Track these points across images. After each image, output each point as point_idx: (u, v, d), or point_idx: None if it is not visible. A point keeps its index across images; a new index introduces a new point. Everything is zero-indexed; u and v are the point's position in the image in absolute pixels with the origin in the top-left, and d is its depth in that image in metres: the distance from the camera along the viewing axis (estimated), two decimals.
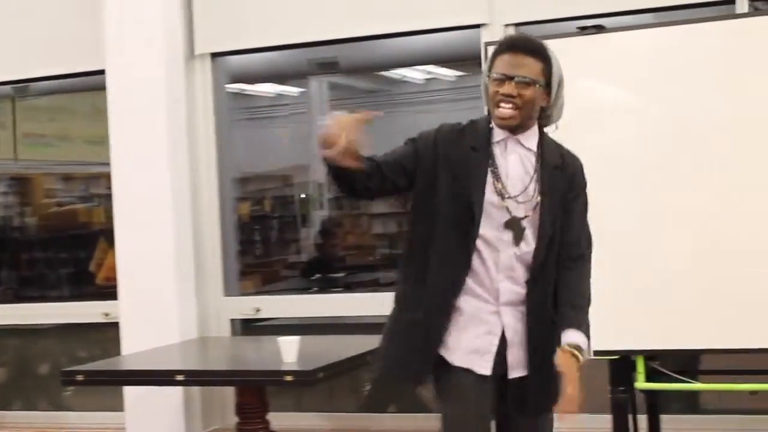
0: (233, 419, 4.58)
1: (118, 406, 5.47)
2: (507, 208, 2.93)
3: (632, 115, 4.09)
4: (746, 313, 3.88)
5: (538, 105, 2.95)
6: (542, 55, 2.95)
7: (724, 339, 3.93)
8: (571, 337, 2.92)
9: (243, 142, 6.43)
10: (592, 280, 3.06)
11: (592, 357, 2.91)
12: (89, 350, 6.05)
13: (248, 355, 5.05)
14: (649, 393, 4.22)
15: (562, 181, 3.00)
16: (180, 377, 4.23)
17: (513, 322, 2.98)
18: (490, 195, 2.93)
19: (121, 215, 5.43)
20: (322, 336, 5.02)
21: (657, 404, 4.34)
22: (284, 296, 6.01)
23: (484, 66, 3.01)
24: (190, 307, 5.41)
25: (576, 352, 2.90)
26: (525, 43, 2.97)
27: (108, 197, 5.66)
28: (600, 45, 4.10)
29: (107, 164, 5.51)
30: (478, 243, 2.93)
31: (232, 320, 5.53)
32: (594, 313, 3.98)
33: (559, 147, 3.05)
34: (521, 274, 2.97)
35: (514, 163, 2.98)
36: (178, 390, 5.24)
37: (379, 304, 5.37)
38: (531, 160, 2.99)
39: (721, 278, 3.92)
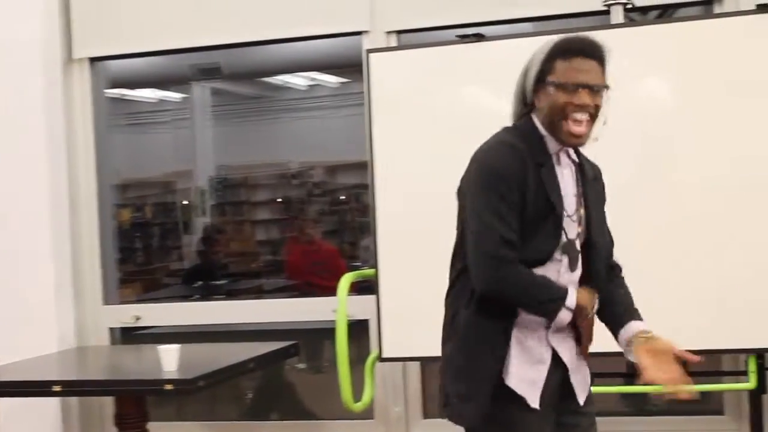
0: (112, 430, 4.50)
1: None
2: (565, 229, 2.71)
3: (508, 121, 4.14)
4: None
5: None
6: (604, 59, 2.74)
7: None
8: (637, 326, 2.74)
9: (124, 148, 6.35)
10: None
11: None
12: None
13: (128, 365, 4.97)
14: None
15: (599, 192, 2.86)
16: (57, 388, 4.14)
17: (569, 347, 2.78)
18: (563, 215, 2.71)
19: None
20: (203, 344, 4.98)
21: None
22: (165, 304, 5.94)
23: (534, 70, 2.76)
24: (67, 315, 5.31)
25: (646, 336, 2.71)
26: (594, 48, 2.72)
27: None
28: (480, 53, 4.15)
29: None
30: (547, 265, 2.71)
31: (112, 329, 5.44)
32: None
33: (582, 155, 2.84)
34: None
35: (567, 178, 2.75)
36: (55, 401, 5.14)
37: (262, 311, 5.41)
38: (574, 173, 2.78)
39: None
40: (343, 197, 10.45)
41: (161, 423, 5.06)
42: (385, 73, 4.27)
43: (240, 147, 10.39)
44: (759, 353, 3.97)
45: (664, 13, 4.67)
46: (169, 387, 3.86)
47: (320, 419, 5.53)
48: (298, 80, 10.08)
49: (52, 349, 5.09)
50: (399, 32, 5.00)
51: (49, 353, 5.01)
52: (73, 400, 5.27)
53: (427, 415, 5.05)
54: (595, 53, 2.69)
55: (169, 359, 4.01)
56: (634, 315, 2.79)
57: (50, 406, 5.16)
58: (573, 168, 2.77)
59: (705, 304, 3.93)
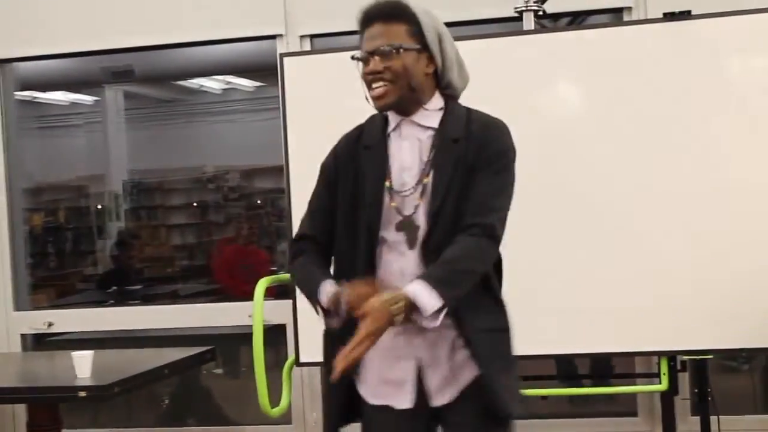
0: None
1: None
2: (396, 208, 2.53)
3: None
4: (539, 320, 4.01)
5: (419, 72, 2.53)
6: (404, 15, 2.55)
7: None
8: (409, 288, 2.36)
9: (35, 151, 6.26)
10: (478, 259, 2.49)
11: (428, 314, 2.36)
12: None
13: (40, 371, 4.90)
14: None
15: (462, 154, 2.52)
16: None
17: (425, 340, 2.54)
18: (385, 195, 2.53)
19: None
20: (118, 350, 4.93)
21: None
22: (79, 309, 5.87)
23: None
24: None
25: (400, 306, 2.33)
26: (378, 9, 2.56)
27: None
28: None
29: None
30: (383, 249, 2.54)
31: (23, 335, 5.37)
32: None
33: (471, 117, 2.60)
34: None
35: (407, 150, 2.57)
36: None
37: (177, 316, 5.38)
38: (424, 140, 2.57)
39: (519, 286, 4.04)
40: (259, 201, 10.41)
41: (76, 431, 5.01)
42: (300, 76, 4.28)
43: (154, 151, 10.30)
44: (670, 355, 4.05)
45: (575, 20, 4.74)
46: (83, 394, 3.81)
47: (238, 425, 5.51)
48: (213, 84, 10.02)
49: None
50: (312, 36, 5.02)
51: None
52: None
53: None
54: (380, 15, 2.56)
55: (83, 366, 3.97)
56: (424, 277, 2.40)
57: None
58: (425, 136, 2.57)
59: (618, 307, 4.00)
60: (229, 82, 10.07)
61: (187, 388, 6.03)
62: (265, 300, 4.20)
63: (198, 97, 10.34)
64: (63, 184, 9.94)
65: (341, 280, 2.51)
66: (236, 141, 10.15)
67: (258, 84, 10.00)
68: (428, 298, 2.34)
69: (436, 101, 2.60)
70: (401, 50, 2.51)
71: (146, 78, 8.81)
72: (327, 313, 2.52)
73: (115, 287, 7.74)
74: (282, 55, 4.36)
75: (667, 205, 3.98)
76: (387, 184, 2.54)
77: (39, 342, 5.49)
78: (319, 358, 4.06)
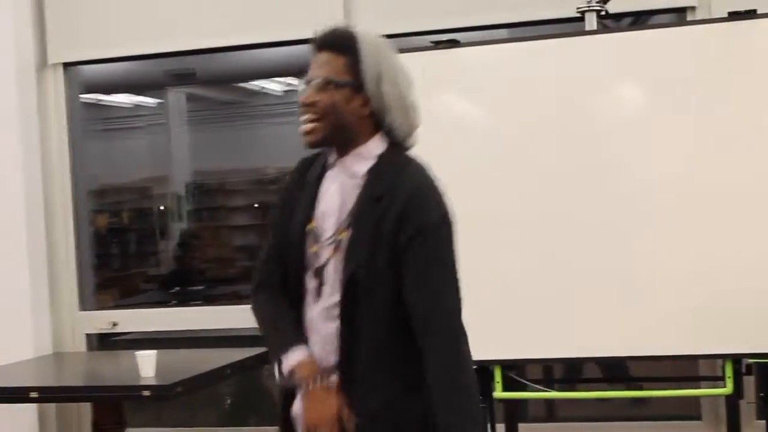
0: None
1: None
2: (315, 254, 2.38)
3: (484, 128, 4.17)
4: (600, 324, 3.99)
5: (351, 111, 2.34)
6: (345, 47, 2.36)
7: (578, 348, 4.03)
8: None
9: (99, 153, 6.33)
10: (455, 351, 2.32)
11: None
12: None
13: (105, 371, 4.97)
14: (507, 402, 4.29)
15: (381, 215, 2.30)
16: (34, 394, 4.14)
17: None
18: (308, 238, 2.40)
19: None
20: (181, 350, 4.98)
21: (515, 413, 4.41)
22: (142, 310, 5.93)
23: None
24: (44, 322, 5.30)
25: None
26: (324, 36, 2.40)
27: None
28: (454, 59, 4.17)
29: None
30: (306, 293, 2.43)
31: (88, 335, 5.43)
32: None
33: (402, 171, 2.37)
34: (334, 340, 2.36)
35: (333, 195, 2.39)
36: (32, 407, 5.12)
37: (239, 316, 5.40)
38: (351, 189, 2.38)
39: (575, 288, 4.01)
40: None
41: (139, 429, 5.06)
42: None
43: (216, 152, 10.37)
44: (735, 358, 3.99)
45: (638, 20, 4.70)
46: (146, 393, 3.86)
47: None
48: (274, 85, 10.06)
49: (28, 355, 5.08)
50: None
51: (26, 359, 5.00)
52: (50, 407, 5.25)
53: None
54: (325, 43, 2.39)
55: (147, 365, 4.01)
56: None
57: (27, 412, 5.14)
58: (352, 183, 2.38)
59: (681, 308, 3.95)
60: (289, 84, 10.10)
61: (248, 387, 6.06)
62: None
63: (259, 99, 10.39)
64: (126, 185, 10.04)
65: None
66: (296, 142, 10.18)
67: None
68: None
69: (375, 146, 2.39)
70: (331, 85, 2.33)
71: (208, 80, 8.87)
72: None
73: (177, 288, 7.81)
74: None
75: (732, 205, 3.92)
76: (309, 226, 2.39)
77: (103, 341, 5.55)
78: None
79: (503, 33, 4.93)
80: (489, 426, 4.25)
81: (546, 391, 4.19)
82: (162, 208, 10.25)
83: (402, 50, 4.33)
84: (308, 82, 2.37)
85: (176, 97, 10.13)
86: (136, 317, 5.55)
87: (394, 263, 2.30)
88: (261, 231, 10.59)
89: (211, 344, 5.40)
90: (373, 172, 2.36)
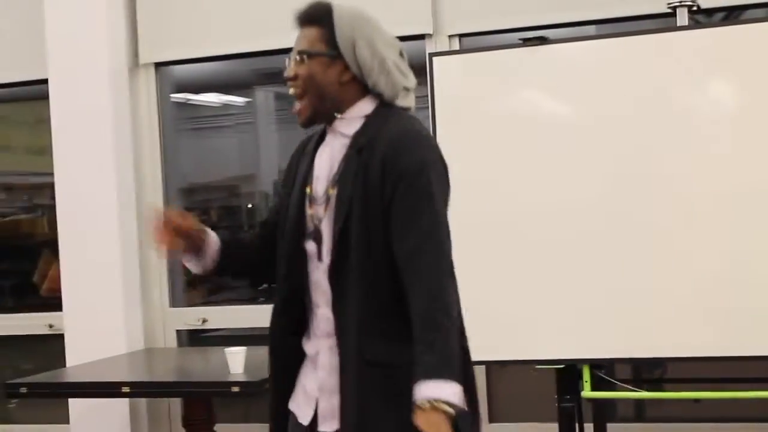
0: (181, 431, 4.55)
1: (63, 418, 5.42)
2: (311, 216, 2.47)
3: (573, 124, 4.13)
4: (691, 322, 3.93)
5: (330, 79, 2.44)
6: (319, 20, 2.45)
7: (669, 348, 3.98)
8: (424, 391, 2.22)
9: (189, 152, 6.40)
10: (458, 282, 2.43)
11: (458, 406, 2.24)
12: (33, 362, 5.98)
13: (195, 367, 5.03)
14: (595, 402, 4.26)
15: (365, 165, 2.38)
16: (126, 389, 4.21)
17: (327, 360, 2.46)
18: (306, 202, 2.49)
19: (65, 226, 5.39)
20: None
21: (604, 413, 4.37)
22: (231, 306, 5.99)
23: None
24: (135, 318, 5.38)
25: (439, 405, 2.21)
26: (299, 12, 2.51)
27: (51, 208, 5.61)
28: (543, 56, 4.14)
29: (50, 174, 5.47)
30: (307, 257, 2.49)
31: (179, 331, 5.50)
32: (540, 322, 4.06)
33: (386, 123, 2.43)
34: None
35: (324, 159, 2.49)
36: (124, 402, 5.20)
37: None
38: (339, 149, 2.48)
39: (666, 287, 3.96)
40: None
41: (229, 425, 5.10)
42: (448, 76, 4.27)
43: None
44: None
45: (730, 15, 4.62)
46: (236, 389, 3.90)
47: None
48: None
49: (121, 351, 5.16)
50: (461, 36, 5.01)
51: (118, 355, 5.08)
52: (142, 402, 5.33)
53: (492, 419, 5.04)
54: (300, 18, 2.51)
55: (236, 361, 4.05)
56: (422, 371, 2.25)
57: (119, 407, 5.23)
58: (339, 144, 2.47)
59: (762, 307, 3.88)
60: None
61: None
62: None
63: None
64: (215, 184, 10.13)
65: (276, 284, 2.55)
66: None
67: None
68: (448, 392, 2.22)
69: (363, 107, 2.48)
70: (306, 56, 2.44)
71: None
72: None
73: (265, 285, 7.87)
74: (431, 55, 4.36)
75: None
76: (307, 191, 2.48)
77: (193, 338, 5.62)
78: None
79: (592, 30, 4.89)
80: (578, 426, 4.22)
81: (635, 390, 4.14)
82: (250, 206, 10.34)
83: (490, 48, 4.35)
84: (293, 57, 2.47)
85: (264, 96, 10.20)
86: (225, 314, 5.61)
87: (385, 212, 2.35)
88: None
89: None
90: (359, 130, 2.45)
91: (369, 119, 2.46)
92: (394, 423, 2.31)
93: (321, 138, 2.55)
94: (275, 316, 2.55)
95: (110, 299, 5.27)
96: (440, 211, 2.39)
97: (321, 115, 2.49)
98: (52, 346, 5.55)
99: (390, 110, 2.48)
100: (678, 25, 4.13)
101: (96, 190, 5.30)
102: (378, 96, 2.47)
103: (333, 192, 2.42)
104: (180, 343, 5.50)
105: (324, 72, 2.44)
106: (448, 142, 4.23)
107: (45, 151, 5.62)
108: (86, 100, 5.32)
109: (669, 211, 3.96)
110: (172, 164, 5.64)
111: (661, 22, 4.43)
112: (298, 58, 2.45)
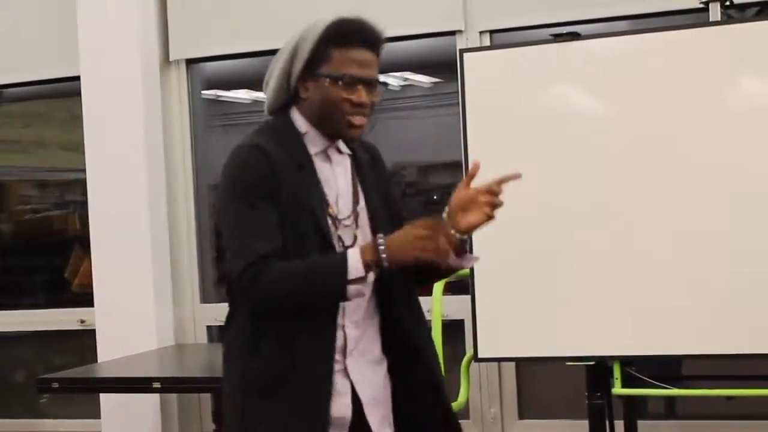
0: (211, 426, 4.57)
1: (94, 413, 5.45)
2: (339, 237, 2.40)
3: (605, 121, 4.11)
4: (723, 319, 3.91)
5: None
6: (382, 49, 2.46)
7: (700, 345, 3.96)
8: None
9: (219, 148, 6.42)
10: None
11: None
12: (65, 357, 6.02)
13: None
14: (625, 398, 4.24)
15: (378, 175, 2.52)
16: (157, 384, 4.22)
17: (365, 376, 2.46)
18: (330, 224, 2.39)
19: (96, 222, 5.42)
20: None
21: (634, 410, 4.35)
22: None
23: (303, 55, 2.45)
24: (166, 313, 5.40)
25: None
26: (377, 36, 2.47)
27: (83, 204, 5.64)
28: (574, 52, 4.12)
29: (83, 171, 5.50)
30: None
31: (209, 327, 5.52)
32: (571, 319, 4.05)
33: (362, 141, 2.55)
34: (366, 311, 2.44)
35: (342, 176, 2.45)
36: (154, 397, 5.22)
37: None
38: (349, 167, 2.48)
39: (697, 283, 3.94)
40: (435, 197, 10.43)
41: None
42: (479, 72, 4.27)
43: None
44: None
45: (763, 10, 4.58)
46: None
47: None
48: (391, 80, 10.09)
49: (151, 346, 5.19)
50: (492, 32, 5.00)
51: (149, 350, 5.10)
52: (172, 397, 5.35)
53: (522, 415, 5.03)
54: (375, 43, 2.43)
55: None
56: None
57: (150, 402, 5.25)
58: (347, 162, 2.47)
59: None
60: (406, 79, 10.11)
61: None
62: (443, 295, 4.21)
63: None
64: None
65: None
66: (413, 137, 10.19)
67: (435, 80, 10.00)
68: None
69: None
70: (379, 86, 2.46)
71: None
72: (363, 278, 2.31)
73: None
74: (462, 51, 4.35)
75: None
76: (331, 211, 2.39)
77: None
78: (497, 354, 4.07)
79: (623, 25, 4.86)
80: (608, 423, 4.20)
81: (666, 388, 4.12)
82: None
83: (521, 44, 4.34)
84: (365, 83, 2.41)
85: None
86: None
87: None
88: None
89: None
90: (358, 144, 2.51)
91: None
92: None
93: (305, 156, 2.42)
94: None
95: (141, 295, 5.30)
96: None
97: None
98: (84, 341, 5.59)
99: None
100: (711, 20, 4.10)
101: (127, 186, 5.33)
102: None
103: (360, 207, 2.45)
104: (210, 339, 5.51)
105: None
106: (478, 138, 4.24)
107: (77, 147, 5.65)
108: (118, 96, 5.34)
109: (703, 207, 3.93)
110: (203, 161, 5.66)
111: (693, 17, 4.41)
112: (378, 85, 2.46)
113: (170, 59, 5.51)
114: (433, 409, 2.49)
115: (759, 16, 4.60)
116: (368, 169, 2.49)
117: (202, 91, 5.82)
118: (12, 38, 5.82)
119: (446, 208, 2.41)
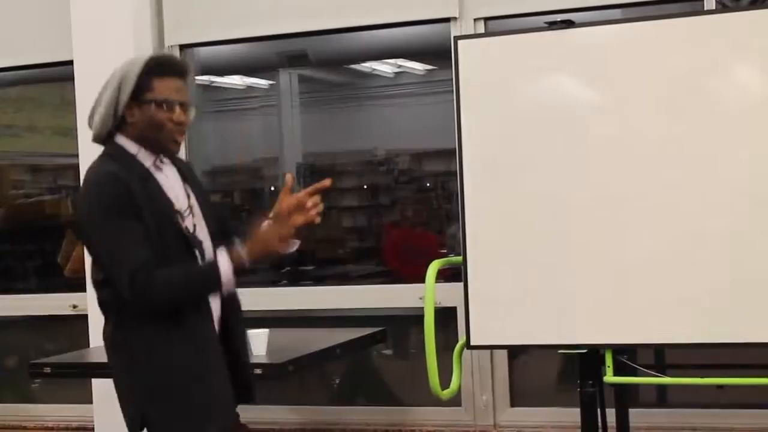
0: None
1: (86, 398, 5.45)
2: (186, 228, 2.97)
3: (599, 108, 4.11)
4: (713, 308, 3.91)
5: None
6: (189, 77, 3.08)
7: (692, 333, 3.96)
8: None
9: (213, 134, 6.43)
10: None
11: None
12: (57, 342, 6.02)
13: None
14: (617, 387, 4.25)
15: (196, 183, 3.12)
16: None
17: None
18: (178, 219, 2.96)
19: None
20: (291, 329, 5.02)
21: (626, 398, 4.36)
22: (254, 289, 6.01)
23: (129, 86, 2.89)
24: None
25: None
26: (184, 70, 3.03)
27: (76, 189, 5.64)
28: (569, 40, 4.11)
29: (75, 156, 5.48)
30: None
31: None
32: (563, 307, 4.05)
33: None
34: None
35: (174, 179, 3.02)
36: None
37: (350, 297, 5.44)
38: (175, 171, 3.04)
39: (689, 273, 3.94)
40: (429, 184, 10.43)
41: (249, 406, 5.11)
42: (474, 59, 4.26)
43: (327, 134, 10.43)
44: None
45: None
46: (258, 371, 3.90)
47: (407, 405, 5.54)
48: (385, 67, 10.08)
49: None
50: (487, 19, 5.00)
51: None
52: None
53: (514, 403, 5.04)
54: (184, 73, 2.99)
55: (259, 343, 4.06)
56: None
57: None
58: (173, 169, 3.02)
59: None
60: (400, 66, 10.11)
61: (357, 368, 6.10)
62: (436, 283, 4.21)
63: (370, 80, 10.42)
64: (239, 166, 10.16)
65: None
66: (407, 124, 10.20)
67: (429, 67, 10.00)
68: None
69: None
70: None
71: (320, 62, 8.92)
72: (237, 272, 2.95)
73: (288, 267, 7.88)
74: (456, 38, 4.34)
75: None
76: (176, 208, 2.94)
77: None
78: (489, 341, 4.07)
79: (617, 13, 4.86)
80: (599, 411, 4.21)
81: (657, 376, 4.13)
82: (273, 188, 10.36)
83: (515, 31, 4.33)
84: (181, 105, 2.96)
85: (288, 78, 10.21)
86: (247, 296, 5.60)
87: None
88: (370, 212, 10.66)
89: (321, 324, 5.44)
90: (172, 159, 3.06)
91: None
92: None
93: (144, 170, 2.93)
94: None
95: None
96: None
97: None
98: (76, 326, 5.58)
99: None
100: (705, 9, 4.10)
101: None
102: None
103: (191, 201, 3.01)
104: None
105: None
106: (472, 125, 4.24)
107: (70, 132, 5.64)
108: None
109: (697, 196, 3.93)
110: (196, 146, 5.65)
111: (688, 6, 4.41)
112: (190, 108, 3.01)
113: (165, 44, 5.49)
114: None
115: (754, 5, 4.61)
116: (188, 175, 3.08)
117: (196, 77, 5.81)
118: (4, 22, 5.81)
119: (271, 213, 2.93)
